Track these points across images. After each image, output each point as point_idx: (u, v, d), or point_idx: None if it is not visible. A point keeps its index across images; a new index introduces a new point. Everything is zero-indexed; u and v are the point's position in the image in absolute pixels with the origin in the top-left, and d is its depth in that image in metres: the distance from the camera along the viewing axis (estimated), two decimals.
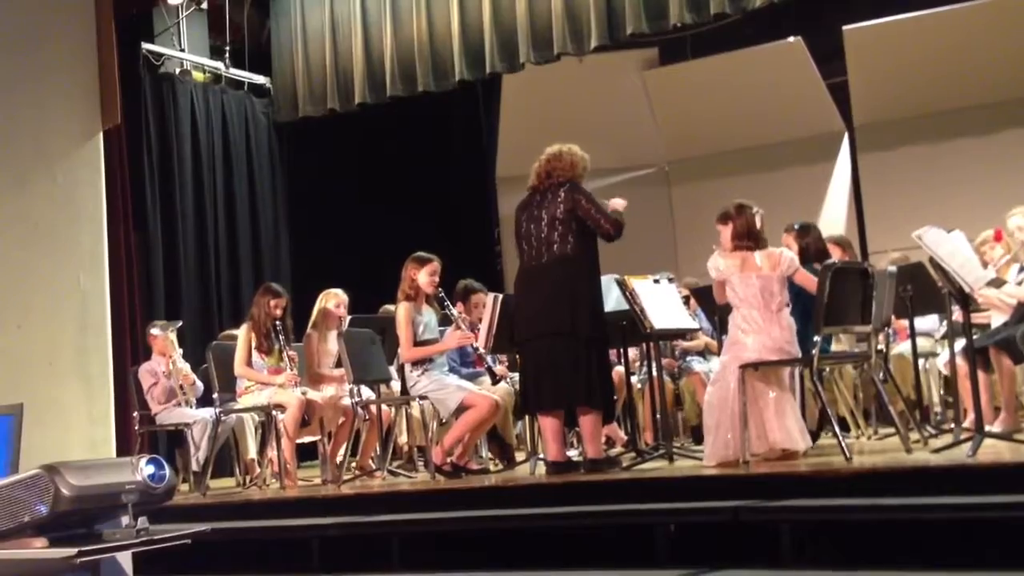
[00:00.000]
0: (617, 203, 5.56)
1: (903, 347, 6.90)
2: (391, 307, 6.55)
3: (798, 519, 4.09)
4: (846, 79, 9.96)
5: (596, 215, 5.40)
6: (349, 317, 6.88)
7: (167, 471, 2.66)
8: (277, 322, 6.59)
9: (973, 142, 9.45)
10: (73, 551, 2.38)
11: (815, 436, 5.72)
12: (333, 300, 6.86)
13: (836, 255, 6.30)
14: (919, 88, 9.51)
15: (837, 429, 5.22)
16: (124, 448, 7.04)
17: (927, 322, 6.97)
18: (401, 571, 4.70)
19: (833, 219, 9.81)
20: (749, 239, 5.32)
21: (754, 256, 5.29)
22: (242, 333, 6.67)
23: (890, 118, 9.76)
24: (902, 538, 3.84)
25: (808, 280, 5.30)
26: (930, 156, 9.66)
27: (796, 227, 6.03)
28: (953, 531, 3.76)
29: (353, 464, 6.63)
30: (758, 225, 5.36)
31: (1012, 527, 3.68)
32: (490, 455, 6.80)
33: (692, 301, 6.90)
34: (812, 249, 5.86)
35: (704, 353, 7.54)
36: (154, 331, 7.32)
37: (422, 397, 6.13)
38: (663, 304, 5.78)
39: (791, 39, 9.93)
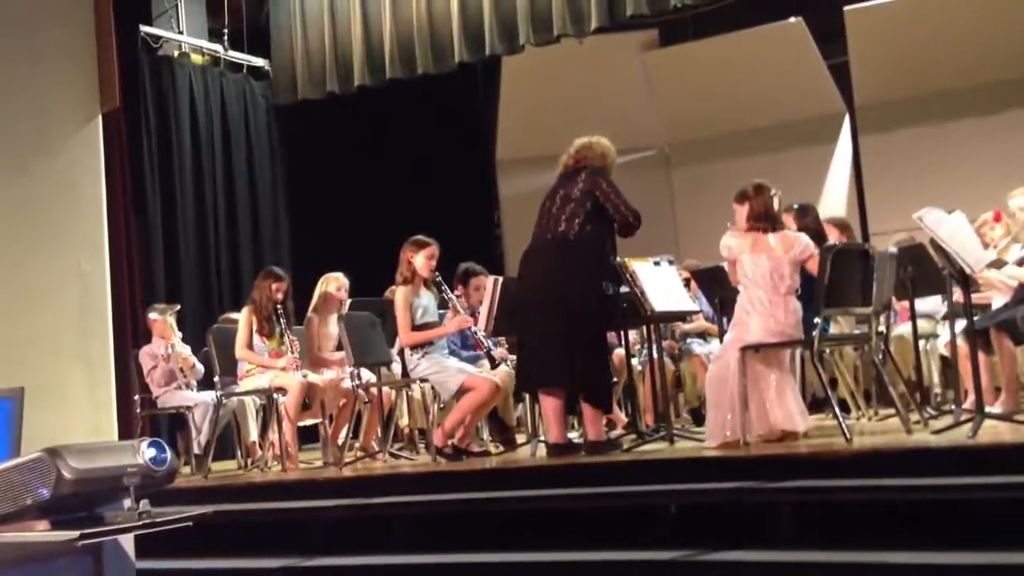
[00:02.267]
0: None
1: (904, 328, 6.90)
2: None
3: (799, 500, 4.10)
4: (847, 59, 9.90)
5: (616, 200, 5.40)
6: (350, 300, 6.89)
7: (168, 454, 2.66)
8: (278, 305, 6.60)
9: (974, 122, 9.41)
10: (75, 534, 2.39)
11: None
12: (334, 284, 6.86)
13: (835, 237, 6.30)
14: (920, 68, 9.47)
15: (838, 410, 5.23)
16: (126, 431, 7.04)
17: (928, 304, 6.95)
18: (402, 553, 4.71)
19: (834, 200, 9.80)
20: (765, 220, 5.29)
21: (767, 237, 5.27)
22: (243, 316, 6.68)
23: (891, 98, 9.71)
24: (902, 519, 3.85)
25: (816, 268, 5.28)
26: (931, 136, 9.62)
27: (795, 207, 6.02)
28: (953, 512, 3.76)
29: (355, 446, 6.64)
30: (775, 207, 5.33)
31: (1012, 507, 3.68)
32: (491, 437, 6.81)
33: (692, 284, 6.90)
34: (811, 230, 5.86)
35: (704, 335, 7.54)
36: (153, 315, 7.33)
37: (423, 380, 6.14)
38: (663, 286, 5.77)
39: (792, 19, 9.89)
